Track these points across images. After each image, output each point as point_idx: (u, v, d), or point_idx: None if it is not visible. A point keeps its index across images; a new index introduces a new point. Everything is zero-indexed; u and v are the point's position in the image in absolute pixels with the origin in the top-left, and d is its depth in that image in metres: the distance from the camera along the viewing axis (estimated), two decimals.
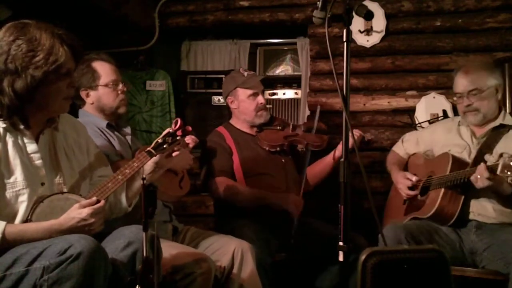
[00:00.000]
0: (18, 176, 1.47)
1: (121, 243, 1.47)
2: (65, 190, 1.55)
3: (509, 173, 1.74)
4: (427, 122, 2.80)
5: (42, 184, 1.52)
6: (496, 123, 2.11)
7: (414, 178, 2.18)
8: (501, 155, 2.01)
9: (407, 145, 2.42)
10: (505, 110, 2.20)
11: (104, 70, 2.02)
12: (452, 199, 2.04)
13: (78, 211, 1.46)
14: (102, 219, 1.53)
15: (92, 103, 2.02)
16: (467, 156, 2.13)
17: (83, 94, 2.02)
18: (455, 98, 2.20)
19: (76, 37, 1.52)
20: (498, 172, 1.78)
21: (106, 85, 2.01)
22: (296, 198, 2.26)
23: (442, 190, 2.04)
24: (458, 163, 2.09)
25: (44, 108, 1.53)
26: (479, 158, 2.06)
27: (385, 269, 1.15)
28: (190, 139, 2.14)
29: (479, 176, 1.85)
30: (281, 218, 2.27)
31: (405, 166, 2.40)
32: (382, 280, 1.15)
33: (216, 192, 2.32)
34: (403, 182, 2.22)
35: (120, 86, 2.05)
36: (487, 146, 2.08)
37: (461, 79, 2.13)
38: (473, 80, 2.09)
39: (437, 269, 1.18)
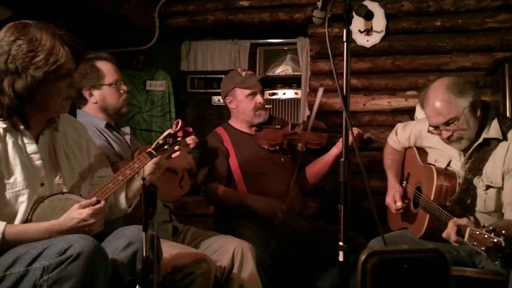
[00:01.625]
0: (18, 176, 1.47)
1: (121, 243, 1.47)
2: (65, 190, 1.55)
3: (475, 243, 1.63)
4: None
5: (42, 184, 1.52)
6: (480, 139, 1.91)
7: (399, 204, 2.11)
8: (486, 183, 1.89)
9: (400, 138, 2.30)
10: (492, 117, 1.93)
11: (108, 69, 2.02)
12: (440, 223, 1.91)
13: (78, 212, 1.46)
14: (102, 220, 1.53)
15: (95, 103, 2.02)
16: (454, 166, 2.02)
17: (86, 93, 2.01)
18: (431, 129, 1.95)
19: (76, 38, 1.52)
20: (465, 239, 1.69)
21: (110, 85, 2.01)
22: (274, 203, 2.20)
23: (428, 217, 1.97)
24: (444, 177, 1.97)
25: (44, 108, 1.53)
26: (467, 183, 1.93)
27: (385, 269, 1.15)
28: (191, 140, 2.14)
29: (449, 236, 1.78)
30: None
31: (402, 160, 2.33)
32: (382, 280, 1.14)
33: (209, 198, 2.37)
34: (390, 204, 2.16)
35: (122, 86, 2.05)
36: (475, 167, 1.92)
37: (430, 112, 1.91)
38: (444, 111, 1.86)
39: (437, 269, 1.18)
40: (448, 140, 1.93)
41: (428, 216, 1.97)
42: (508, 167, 1.88)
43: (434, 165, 2.08)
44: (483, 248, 1.59)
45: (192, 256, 1.78)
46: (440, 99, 1.88)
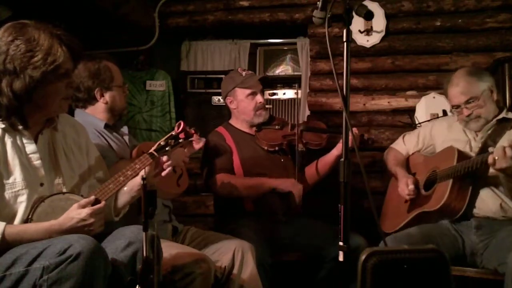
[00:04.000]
0: (17, 176, 1.47)
1: (121, 243, 1.47)
2: (64, 190, 1.55)
3: None
4: (427, 122, 2.80)
5: (41, 184, 1.52)
6: (500, 116, 2.13)
7: (410, 187, 2.19)
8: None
9: (408, 143, 2.42)
10: (506, 108, 2.21)
11: (116, 71, 2.03)
12: (461, 191, 2.06)
13: (77, 211, 1.46)
14: (102, 220, 1.52)
15: (106, 103, 2.01)
16: (469, 151, 2.15)
17: (97, 93, 1.99)
18: (453, 110, 2.22)
19: (75, 38, 1.52)
20: None
21: (119, 86, 2.03)
22: (295, 182, 2.28)
23: (451, 181, 2.06)
24: (463, 156, 2.11)
25: (43, 108, 1.53)
26: (484, 150, 2.08)
27: (385, 269, 1.15)
28: (196, 139, 2.08)
29: (497, 158, 1.86)
30: (282, 217, 2.27)
31: (406, 165, 2.39)
32: (382, 280, 1.14)
33: (217, 189, 2.32)
34: (403, 189, 2.23)
35: (126, 88, 2.09)
36: (491, 139, 2.11)
37: (454, 92, 2.15)
38: (465, 90, 2.12)
39: (437, 269, 1.18)
40: (468, 118, 2.14)
41: (450, 182, 2.06)
42: None
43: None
44: None
45: (191, 256, 1.78)
46: (464, 81, 2.15)
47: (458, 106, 2.16)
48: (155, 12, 3.39)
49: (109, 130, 2.04)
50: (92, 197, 1.51)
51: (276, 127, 2.45)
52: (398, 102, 3.06)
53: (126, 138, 2.12)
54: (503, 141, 2.08)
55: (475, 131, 2.18)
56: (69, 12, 2.74)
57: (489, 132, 2.14)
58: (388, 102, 3.07)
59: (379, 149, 2.92)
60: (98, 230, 1.50)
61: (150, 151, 1.67)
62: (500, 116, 2.14)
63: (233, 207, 2.35)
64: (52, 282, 1.30)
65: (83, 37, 1.56)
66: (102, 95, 2.01)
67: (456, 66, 2.97)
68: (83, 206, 1.48)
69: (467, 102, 2.12)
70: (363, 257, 1.15)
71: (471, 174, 2.01)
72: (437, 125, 2.36)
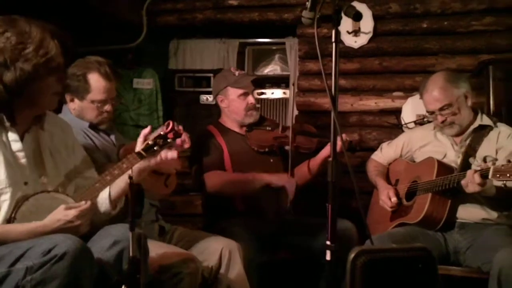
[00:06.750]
0: (1, 174, 1.44)
1: (107, 242, 1.45)
2: (49, 189, 1.53)
3: (500, 176, 1.77)
4: (413, 123, 2.83)
5: (26, 183, 1.49)
6: (475, 124, 2.14)
7: (393, 200, 2.18)
8: (484, 159, 2.06)
9: (385, 153, 2.44)
10: (482, 112, 2.21)
11: (97, 86, 1.93)
12: (440, 204, 2.05)
13: (64, 213, 1.44)
14: (89, 221, 1.51)
15: (74, 109, 1.99)
16: (448, 161, 2.15)
17: (67, 97, 1.97)
18: (427, 114, 2.22)
19: (66, 33, 1.49)
20: (489, 177, 1.81)
21: (92, 102, 1.95)
22: (289, 177, 2.27)
23: (430, 195, 2.05)
24: (443, 168, 2.10)
25: (33, 103, 1.50)
26: (465, 162, 2.08)
27: (374, 268, 1.15)
28: (185, 137, 2.05)
29: (470, 182, 1.87)
30: (273, 216, 2.27)
31: (386, 173, 2.42)
32: (371, 278, 1.15)
33: (209, 186, 2.30)
34: (385, 201, 2.22)
35: (107, 106, 1.97)
36: (471, 149, 2.11)
37: (428, 98, 2.13)
38: (441, 97, 2.09)
39: (425, 267, 1.19)
40: (442, 124, 2.14)
41: (429, 196, 2.06)
42: (501, 144, 2.09)
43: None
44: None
45: (179, 256, 1.77)
46: (438, 87, 2.11)
47: (432, 112, 2.14)
48: (143, 10, 3.36)
49: (94, 130, 2.01)
50: (83, 203, 1.48)
51: (268, 128, 2.44)
52: (385, 102, 3.09)
53: (113, 137, 2.09)
54: (482, 150, 2.09)
55: (452, 137, 2.18)
56: (56, 9, 2.69)
57: (468, 141, 2.13)
58: (375, 103, 3.10)
59: (366, 150, 2.94)
60: (84, 231, 1.48)
61: (138, 150, 1.65)
62: (476, 124, 2.13)
63: (224, 207, 2.33)
64: (36, 283, 1.28)
65: (70, 35, 1.54)
66: (72, 100, 1.97)
67: (442, 67, 3.01)
68: (71, 208, 1.45)
69: (441, 109, 2.10)
70: (352, 256, 1.16)
71: (450, 190, 2.01)
72: (414, 135, 2.35)
